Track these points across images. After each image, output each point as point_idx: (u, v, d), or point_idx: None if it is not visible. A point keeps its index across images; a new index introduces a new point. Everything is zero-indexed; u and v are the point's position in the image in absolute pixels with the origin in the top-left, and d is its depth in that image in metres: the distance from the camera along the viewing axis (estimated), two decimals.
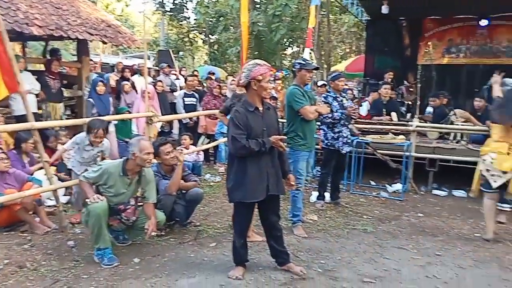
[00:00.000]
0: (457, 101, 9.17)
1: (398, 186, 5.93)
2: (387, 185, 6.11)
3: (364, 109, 7.56)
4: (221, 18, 18.71)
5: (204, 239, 3.86)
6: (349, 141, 5.00)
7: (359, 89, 10.94)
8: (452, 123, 6.45)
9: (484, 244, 3.93)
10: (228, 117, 4.44)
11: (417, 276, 3.18)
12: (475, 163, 5.40)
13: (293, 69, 4.25)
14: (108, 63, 11.44)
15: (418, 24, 9.86)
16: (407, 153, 5.91)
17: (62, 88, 6.77)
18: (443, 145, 6.11)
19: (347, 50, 21.68)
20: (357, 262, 3.42)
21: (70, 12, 6.44)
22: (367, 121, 6.99)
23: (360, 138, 6.07)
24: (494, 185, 3.92)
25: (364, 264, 3.37)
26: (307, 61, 4.26)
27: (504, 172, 3.85)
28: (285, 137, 3.06)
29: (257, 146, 2.80)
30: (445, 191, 5.91)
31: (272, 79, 11.13)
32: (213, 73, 8.82)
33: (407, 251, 3.70)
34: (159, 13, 22.40)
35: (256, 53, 17.24)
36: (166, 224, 3.95)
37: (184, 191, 4.10)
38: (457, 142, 6.19)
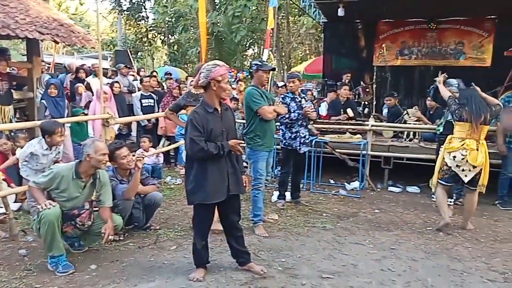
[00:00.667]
0: (410, 101, 9.62)
1: (356, 184, 6.12)
2: (345, 183, 6.28)
3: (323, 109, 7.74)
4: (181, 19, 18.50)
5: (164, 243, 3.81)
6: (307, 141, 5.10)
7: (319, 89, 11.17)
8: (405, 122, 6.74)
9: (435, 237, 4.14)
10: (179, 115, 4.43)
11: (373, 270, 3.30)
12: (427, 160, 5.72)
13: (250, 70, 4.30)
14: (62, 64, 10.99)
15: (372, 26, 10.21)
16: (363, 152, 6.11)
17: (12, 90, 6.44)
18: (397, 144, 6.37)
19: (307, 51, 22.08)
20: (316, 259, 3.50)
21: (18, 10, 6.11)
22: (325, 121, 7.17)
23: (319, 137, 6.22)
24: (466, 179, 4.19)
25: (323, 261, 3.46)
26: (264, 62, 4.31)
27: (474, 167, 4.13)
28: (242, 141, 3.06)
29: (216, 149, 2.81)
30: (400, 187, 6.16)
31: (233, 80, 11.18)
32: (170, 74, 8.67)
33: (364, 246, 3.83)
34: (115, 12, 21.79)
35: (216, 54, 17.19)
36: (124, 229, 3.86)
37: (142, 195, 4.02)
38: (410, 140, 6.47)
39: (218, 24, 16.47)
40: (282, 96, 5.02)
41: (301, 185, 5.86)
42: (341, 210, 5.06)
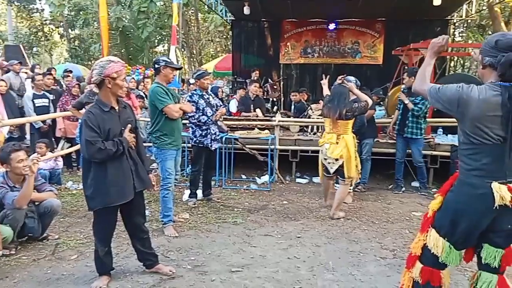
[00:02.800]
0: (315, 97, 10.20)
1: (266, 178, 6.31)
2: (256, 177, 6.45)
3: (233, 106, 7.83)
4: (81, 12, 17.30)
5: (63, 253, 3.54)
6: (217, 137, 5.12)
7: (230, 87, 11.31)
8: (309, 116, 7.12)
9: (336, 222, 4.44)
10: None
11: (280, 259, 3.44)
12: None
13: (156, 66, 4.10)
14: None
15: (278, 25, 10.62)
16: (272, 146, 6.33)
17: None
18: (302, 137, 6.71)
19: (218, 48, 22.15)
20: (226, 254, 3.54)
21: None
22: (235, 117, 7.27)
23: (229, 134, 6.29)
24: (331, 170, 4.56)
25: (233, 255, 3.51)
26: (170, 60, 4.22)
27: (336, 159, 4.46)
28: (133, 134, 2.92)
29: (114, 146, 2.67)
30: (306, 178, 6.49)
31: (141, 77, 10.74)
32: (70, 71, 8.06)
33: (272, 237, 3.97)
34: (2, 3, 19.62)
35: (123, 50, 16.43)
36: (16, 241, 3.51)
37: (37, 203, 3.68)
38: (314, 134, 6.86)
39: (124, 19, 15.75)
40: (190, 94, 4.97)
41: (213, 182, 5.88)
42: (252, 204, 5.18)
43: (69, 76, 7.95)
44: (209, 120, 4.85)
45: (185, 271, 3.17)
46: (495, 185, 1.94)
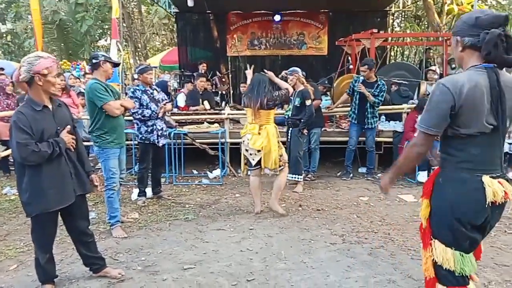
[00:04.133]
0: None
1: (217, 172, 6.26)
2: (208, 172, 6.38)
3: (181, 101, 7.67)
4: (12, 5, 16.13)
5: (2, 263, 3.30)
6: (164, 133, 5.00)
7: (178, 81, 11.06)
8: None
9: (288, 212, 4.50)
10: None
11: (233, 253, 3.43)
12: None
13: (95, 61, 3.88)
14: None
15: (223, 18, 10.51)
16: (222, 140, 6.28)
17: None
18: None
19: (165, 42, 21.58)
20: (178, 251, 3.47)
21: None
22: (184, 112, 7.13)
23: (178, 129, 6.16)
24: (253, 162, 4.35)
25: (185, 252, 3.45)
26: (109, 54, 4.03)
27: (259, 151, 4.27)
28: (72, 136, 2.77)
29: (50, 147, 2.50)
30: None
31: (82, 73, 10.23)
32: (2, 69, 7.51)
33: (224, 231, 3.95)
34: None
35: (62, 45, 15.58)
36: None
37: None
38: None
39: (60, 12, 14.90)
40: (132, 89, 4.79)
41: (163, 179, 5.75)
42: (204, 199, 5.13)
43: (2, 74, 7.40)
44: (154, 115, 4.72)
45: (135, 273, 3.07)
46: (486, 179, 1.76)
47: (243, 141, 4.36)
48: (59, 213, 2.74)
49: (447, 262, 1.84)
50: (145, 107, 4.70)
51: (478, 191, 1.77)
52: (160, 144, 4.89)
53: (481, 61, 1.77)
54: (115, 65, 4.15)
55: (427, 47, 9.29)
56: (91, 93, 3.77)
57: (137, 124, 4.80)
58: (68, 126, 2.67)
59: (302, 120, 5.28)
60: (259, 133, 4.24)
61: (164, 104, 4.88)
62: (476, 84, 1.73)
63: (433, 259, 1.89)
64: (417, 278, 2.88)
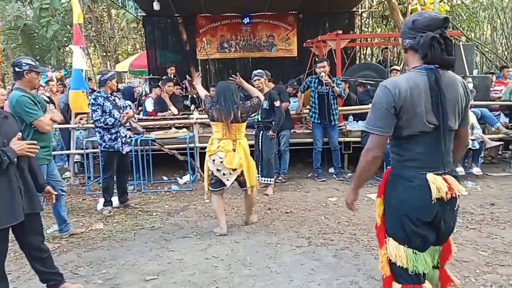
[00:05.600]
0: None
1: (187, 177, 6.18)
2: (178, 178, 6.29)
3: (149, 106, 7.55)
4: None
5: None
6: (128, 140, 4.91)
7: (149, 86, 10.90)
8: None
9: (257, 215, 4.46)
10: None
11: (198, 261, 3.37)
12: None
13: (18, 69, 3.43)
14: None
15: (192, 21, 10.42)
16: (191, 145, 6.21)
17: None
18: None
19: (137, 46, 21.24)
20: (141, 262, 3.39)
21: None
22: (151, 117, 7.02)
23: (146, 135, 6.06)
24: (228, 183, 3.90)
25: (149, 263, 3.38)
26: (35, 63, 3.58)
27: (234, 169, 3.84)
28: (34, 141, 2.67)
29: None
30: None
31: (46, 80, 9.93)
32: None
33: (191, 239, 3.89)
34: None
35: (28, 51, 15.11)
36: None
37: None
38: None
39: (24, 17, 14.47)
40: (94, 97, 4.66)
41: (132, 187, 5.65)
42: (172, 206, 5.04)
43: None
44: (117, 122, 4.62)
45: (95, 287, 2.99)
46: (430, 176, 1.79)
47: (213, 160, 3.82)
48: (11, 229, 2.63)
49: (400, 259, 1.85)
50: (108, 114, 4.60)
51: (423, 188, 1.80)
52: (125, 152, 4.80)
53: (421, 62, 1.80)
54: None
55: (384, 47, 9.50)
56: (17, 107, 3.40)
57: (100, 132, 4.69)
58: (19, 134, 2.56)
59: (273, 122, 5.28)
60: (233, 150, 3.81)
61: (127, 112, 4.79)
62: (414, 85, 1.76)
63: (387, 257, 1.91)
64: (379, 279, 2.90)
